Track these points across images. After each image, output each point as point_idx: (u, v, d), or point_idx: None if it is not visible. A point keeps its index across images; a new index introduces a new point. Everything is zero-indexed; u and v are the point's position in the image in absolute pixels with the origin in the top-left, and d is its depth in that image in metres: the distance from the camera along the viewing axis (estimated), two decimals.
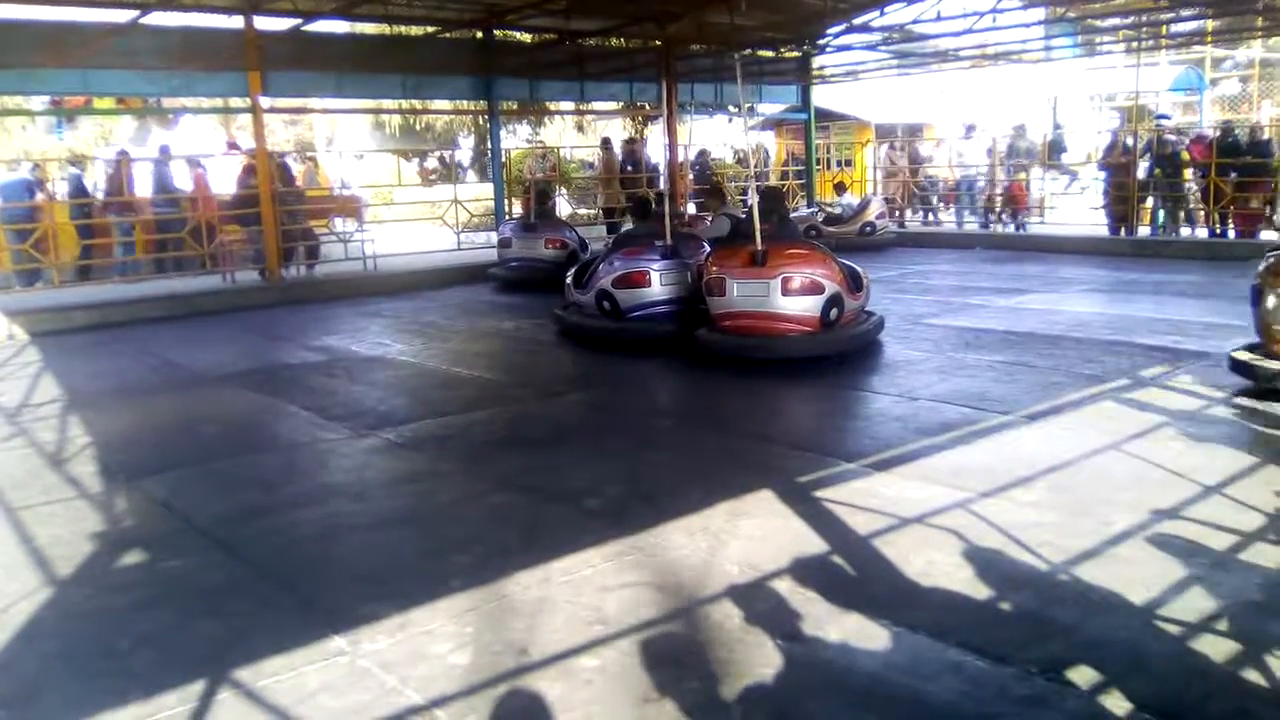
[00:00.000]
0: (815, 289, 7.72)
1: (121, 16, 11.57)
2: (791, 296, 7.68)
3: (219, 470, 5.70)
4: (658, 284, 8.76)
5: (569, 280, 9.96)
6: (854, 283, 8.30)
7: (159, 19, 12.07)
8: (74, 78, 12.00)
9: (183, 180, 14.49)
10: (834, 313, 7.86)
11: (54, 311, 11.31)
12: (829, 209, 17.12)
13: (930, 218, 19.60)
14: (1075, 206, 17.36)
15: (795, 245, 8.17)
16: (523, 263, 13.34)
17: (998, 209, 17.67)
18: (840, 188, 17.98)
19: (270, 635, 3.52)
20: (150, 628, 3.65)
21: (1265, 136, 15.35)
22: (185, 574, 4.17)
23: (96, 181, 16.37)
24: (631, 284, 8.79)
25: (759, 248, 7.78)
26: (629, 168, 18.47)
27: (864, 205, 16.83)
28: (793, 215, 17.99)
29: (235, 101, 13.86)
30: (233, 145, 17.85)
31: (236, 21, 12.79)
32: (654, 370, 8.09)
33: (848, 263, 8.42)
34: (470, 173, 28.58)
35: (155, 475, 5.55)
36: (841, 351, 7.88)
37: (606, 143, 19.37)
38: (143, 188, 14.60)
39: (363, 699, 3.10)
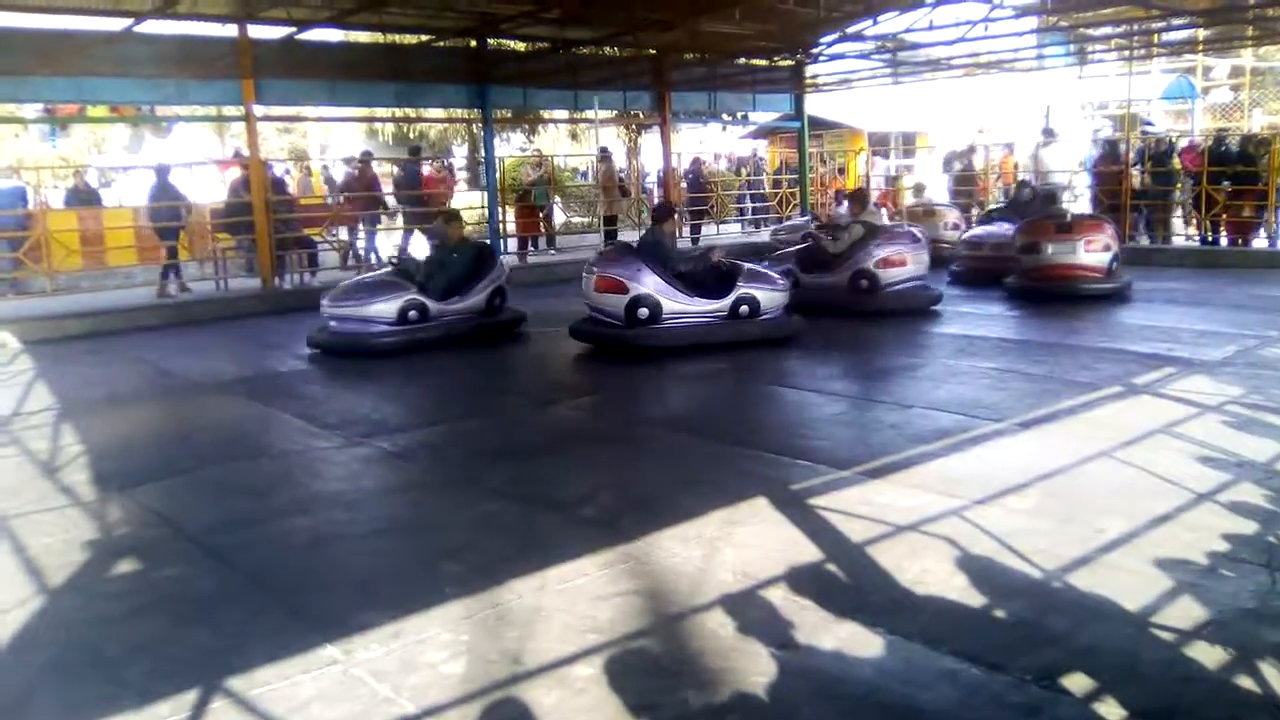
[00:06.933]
0: None
1: (116, 25, 11.57)
2: None
3: (211, 478, 5.68)
4: None
5: None
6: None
7: (153, 27, 12.04)
8: (68, 85, 11.98)
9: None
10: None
11: (47, 320, 11.28)
12: (826, 217, 17.09)
13: None
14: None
15: None
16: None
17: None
18: (840, 196, 18.01)
19: (263, 644, 3.52)
20: (142, 636, 3.64)
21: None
22: (177, 582, 4.16)
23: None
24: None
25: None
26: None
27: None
28: (787, 223, 18.12)
29: (229, 110, 13.86)
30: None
31: (230, 30, 12.77)
32: (648, 378, 8.09)
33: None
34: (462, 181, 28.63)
35: (148, 483, 5.54)
36: None
37: (605, 152, 19.35)
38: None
39: (356, 708, 3.10)
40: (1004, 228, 12.77)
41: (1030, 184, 14.83)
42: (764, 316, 9.10)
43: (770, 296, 9.13)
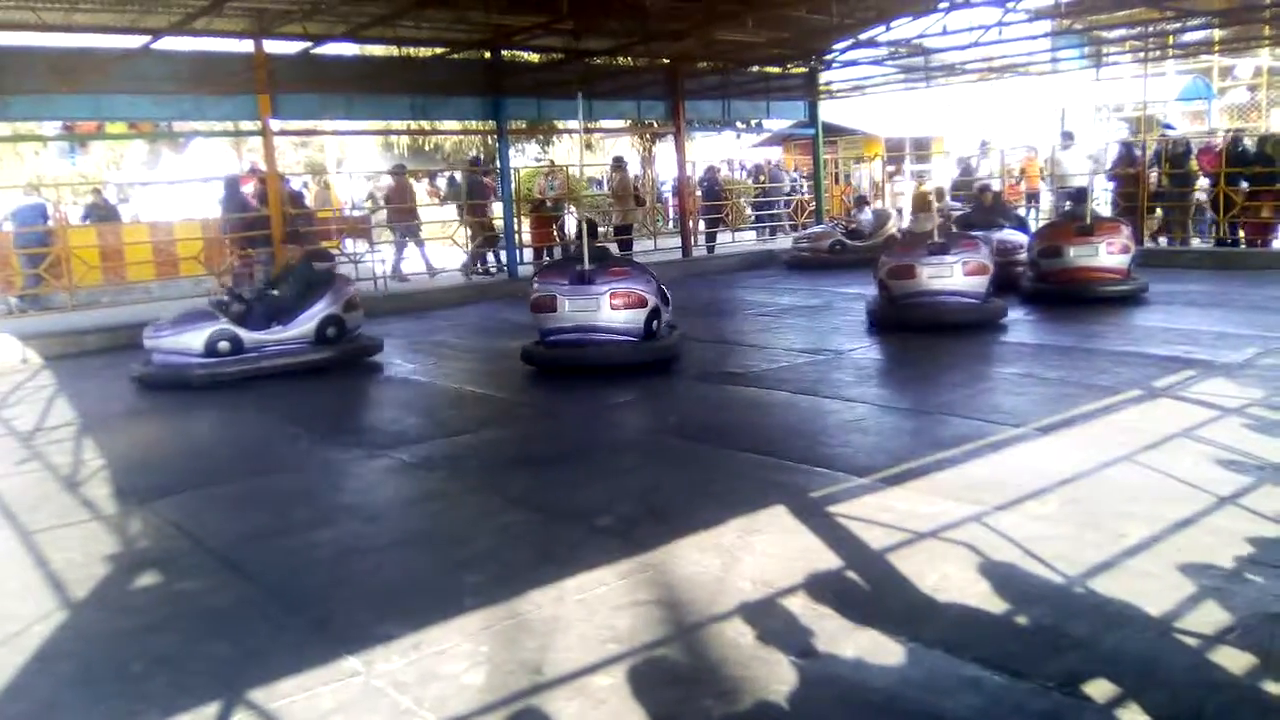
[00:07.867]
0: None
1: (133, 42, 11.68)
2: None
3: (231, 492, 5.72)
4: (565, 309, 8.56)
5: None
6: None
7: (170, 44, 12.15)
8: (86, 103, 12.12)
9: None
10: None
11: (67, 335, 11.37)
12: (849, 224, 17.02)
13: None
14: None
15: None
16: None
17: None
18: (860, 202, 17.98)
19: (284, 656, 3.53)
20: (164, 649, 3.66)
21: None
22: (199, 596, 4.18)
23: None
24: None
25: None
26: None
27: (883, 220, 16.71)
28: (809, 230, 18.05)
29: (246, 124, 13.96)
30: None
31: (247, 45, 12.89)
32: (660, 389, 8.08)
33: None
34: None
35: (168, 497, 5.57)
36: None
37: (619, 161, 19.35)
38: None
39: (376, 719, 3.10)
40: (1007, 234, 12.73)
41: (990, 188, 14.71)
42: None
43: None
